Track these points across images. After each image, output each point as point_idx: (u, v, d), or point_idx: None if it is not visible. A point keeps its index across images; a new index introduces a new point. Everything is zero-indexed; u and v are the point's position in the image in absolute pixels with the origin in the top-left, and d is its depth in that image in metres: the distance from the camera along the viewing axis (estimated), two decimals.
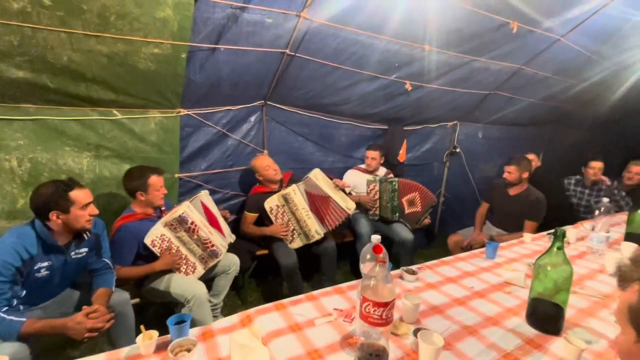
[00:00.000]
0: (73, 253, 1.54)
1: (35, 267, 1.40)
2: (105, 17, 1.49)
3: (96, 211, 1.52)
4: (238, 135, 2.57)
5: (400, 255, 2.89)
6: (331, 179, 2.50)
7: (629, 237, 2.08)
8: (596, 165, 3.12)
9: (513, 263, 1.73)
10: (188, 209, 1.88)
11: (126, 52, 1.68)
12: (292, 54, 2.11)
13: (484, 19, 2.09)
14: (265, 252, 2.47)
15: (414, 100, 2.89)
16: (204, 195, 2.09)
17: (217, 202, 2.54)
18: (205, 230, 1.95)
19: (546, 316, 1.15)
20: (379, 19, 1.96)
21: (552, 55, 2.68)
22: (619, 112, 4.38)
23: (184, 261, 1.91)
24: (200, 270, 1.96)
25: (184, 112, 2.22)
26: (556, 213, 2.83)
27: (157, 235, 1.80)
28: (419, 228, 3.08)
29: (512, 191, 2.63)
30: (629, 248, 1.85)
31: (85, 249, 1.60)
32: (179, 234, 1.88)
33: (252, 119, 2.60)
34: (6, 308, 1.28)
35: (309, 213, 2.28)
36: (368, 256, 0.96)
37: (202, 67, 1.99)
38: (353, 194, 2.98)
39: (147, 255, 1.83)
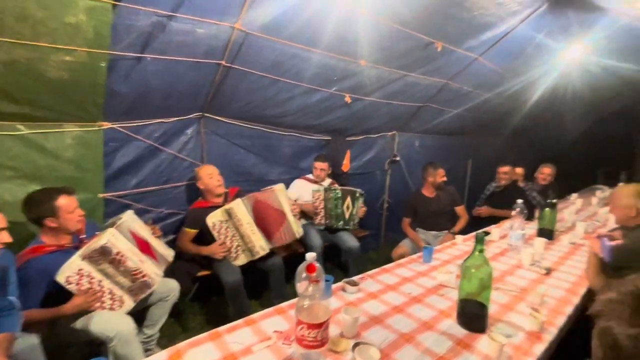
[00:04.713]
0: None
1: None
2: None
3: (7, 239, 1.29)
4: (173, 149, 2.40)
5: (348, 263, 2.94)
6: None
7: (541, 232, 2.37)
8: (545, 171, 3.53)
9: (447, 265, 1.86)
10: (113, 238, 1.67)
11: (30, 59, 1.48)
12: (229, 65, 2.05)
13: (412, 37, 2.25)
14: (208, 272, 2.33)
15: (355, 112, 2.99)
16: (129, 220, 1.86)
17: (152, 223, 2.35)
18: (135, 259, 1.75)
19: (473, 315, 1.24)
20: (313, 33, 2.00)
21: (472, 72, 2.99)
22: (529, 122, 5.03)
23: (109, 295, 1.70)
24: (130, 303, 1.75)
25: (107, 125, 2.02)
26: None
27: (73, 271, 1.56)
28: (363, 235, 3.18)
29: (430, 193, 2.92)
30: (540, 242, 2.10)
31: None
32: (101, 266, 1.66)
33: (189, 131, 2.46)
34: None
35: (253, 228, 2.20)
36: (303, 275, 0.94)
37: (127, 77, 1.83)
38: (299, 202, 2.97)
39: (60, 295, 1.57)
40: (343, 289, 1.48)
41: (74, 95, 1.74)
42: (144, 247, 1.93)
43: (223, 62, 2.01)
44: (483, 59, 2.81)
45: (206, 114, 2.47)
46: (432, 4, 1.98)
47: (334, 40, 2.09)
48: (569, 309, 1.39)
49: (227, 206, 2.14)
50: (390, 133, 3.75)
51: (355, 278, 1.55)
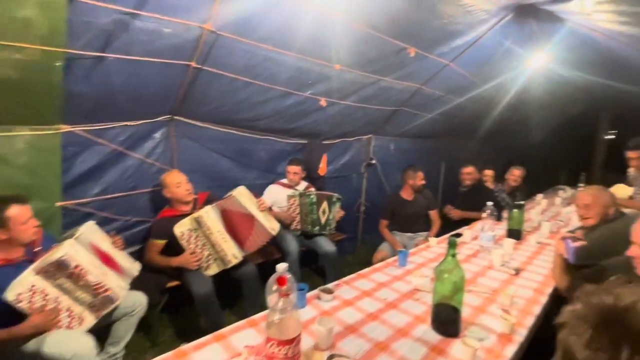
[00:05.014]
0: None
1: None
2: None
3: None
4: (140, 154, 2.28)
5: (326, 268, 2.91)
6: (257, 197, 2.38)
7: (510, 233, 2.45)
8: (516, 173, 3.67)
9: (421, 268, 1.87)
10: (72, 250, 1.55)
11: None
12: (199, 66, 1.98)
13: (386, 43, 2.27)
14: (178, 283, 2.22)
15: (330, 116, 2.98)
16: (89, 231, 1.74)
17: (118, 232, 2.21)
18: (97, 272, 1.63)
19: (446, 320, 1.25)
20: (287, 36, 1.97)
21: (444, 78, 3.06)
22: (499, 126, 5.24)
23: (67, 313, 1.57)
24: (91, 320, 1.62)
25: (65, 128, 1.88)
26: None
27: (25, 287, 1.42)
28: (340, 239, 3.17)
29: (408, 196, 2.97)
30: (509, 243, 2.16)
31: None
32: (58, 281, 1.53)
33: (157, 135, 2.35)
34: None
35: (225, 236, 2.10)
36: (274, 288, 0.90)
37: (87, 78, 1.71)
38: (275, 209, 2.92)
39: (10, 315, 1.43)
40: (318, 297, 1.45)
41: (25, 96, 1.61)
42: (107, 259, 1.81)
43: (193, 64, 1.93)
44: (454, 65, 2.88)
45: (176, 117, 2.37)
46: (405, 11, 2.00)
47: (308, 44, 2.07)
48: (537, 309, 1.44)
49: (195, 214, 2.05)
50: (366, 137, 3.77)
51: (330, 285, 1.53)
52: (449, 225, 3.15)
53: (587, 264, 1.53)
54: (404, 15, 2.04)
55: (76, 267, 1.56)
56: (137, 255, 2.25)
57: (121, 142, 2.16)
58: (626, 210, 2.28)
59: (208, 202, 2.24)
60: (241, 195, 2.24)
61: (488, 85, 3.50)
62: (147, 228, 2.37)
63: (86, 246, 1.70)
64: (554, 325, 0.68)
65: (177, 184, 2.16)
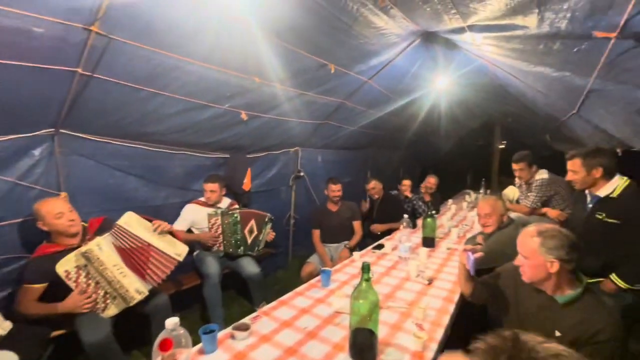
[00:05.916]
0: None
1: None
2: None
3: None
4: (11, 176, 1.86)
5: (251, 291, 2.74)
6: (151, 221, 2.03)
7: (424, 241, 2.63)
8: (431, 181, 3.97)
9: (344, 287, 1.87)
10: None
11: None
12: (89, 74, 1.69)
13: (305, 58, 2.26)
14: (63, 331, 1.84)
15: (253, 129, 2.86)
16: None
17: None
18: None
19: (363, 346, 1.23)
20: (197, 45, 1.81)
21: (364, 93, 3.19)
22: (416, 138, 5.73)
23: None
24: None
25: None
26: None
27: None
28: (264, 254, 3.05)
29: (333, 207, 3.11)
30: (424, 252, 2.31)
31: None
32: None
33: (37, 152, 1.95)
34: None
35: (123, 270, 1.78)
36: (157, 354, 0.76)
37: None
38: (194, 230, 2.67)
39: None
40: (232, 337, 1.32)
41: None
42: None
43: (79, 70, 1.64)
44: (372, 82, 3.03)
45: (62, 130, 2.00)
46: (321, 29, 2.01)
47: (222, 54, 1.94)
48: (446, 320, 1.53)
49: (83, 248, 1.69)
50: (293, 149, 3.73)
51: (246, 319, 1.41)
52: (373, 236, 3.28)
53: (486, 270, 1.70)
54: (320, 33, 2.05)
55: None
56: (7, 303, 1.82)
57: None
58: (513, 215, 2.65)
59: (102, 229, 1.91)
60: (127, 223, 1.89)
61: (404, 102, 3.78)
62: (22, 266, 1.93)
63: None
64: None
65: (58, 214, 1.77)
